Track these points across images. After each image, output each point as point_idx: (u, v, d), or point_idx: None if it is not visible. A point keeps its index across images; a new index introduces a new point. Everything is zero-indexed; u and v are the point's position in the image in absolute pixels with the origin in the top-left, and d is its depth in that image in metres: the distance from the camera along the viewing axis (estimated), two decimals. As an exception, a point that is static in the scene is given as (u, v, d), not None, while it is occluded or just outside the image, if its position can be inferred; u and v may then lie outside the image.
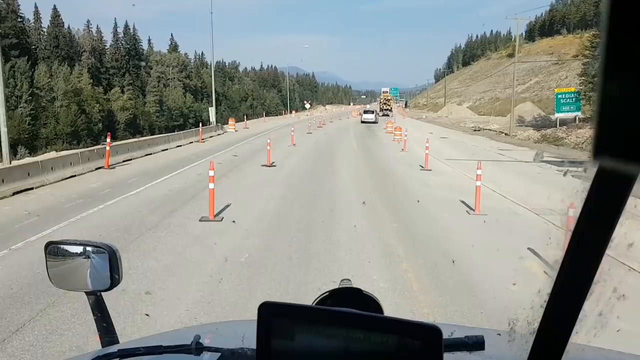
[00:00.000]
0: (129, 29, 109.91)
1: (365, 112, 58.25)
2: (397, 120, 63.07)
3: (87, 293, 1.57)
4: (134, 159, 20.47)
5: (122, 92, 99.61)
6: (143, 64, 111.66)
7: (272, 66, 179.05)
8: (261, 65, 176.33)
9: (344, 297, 1.40)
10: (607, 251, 0.74)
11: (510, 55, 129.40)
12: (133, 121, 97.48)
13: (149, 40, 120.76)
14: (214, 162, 11.50)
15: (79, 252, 1.54)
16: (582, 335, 0.93)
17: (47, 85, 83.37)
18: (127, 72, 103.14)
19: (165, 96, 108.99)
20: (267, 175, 16.97)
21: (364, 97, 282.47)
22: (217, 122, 37.21)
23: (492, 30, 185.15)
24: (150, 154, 22.37)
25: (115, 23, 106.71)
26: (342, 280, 1.66)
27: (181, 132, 28.99)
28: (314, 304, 1.35)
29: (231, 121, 36.64)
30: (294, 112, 71.07)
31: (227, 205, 11.47)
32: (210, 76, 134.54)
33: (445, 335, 0.93)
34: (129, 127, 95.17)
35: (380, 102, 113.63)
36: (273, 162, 19.72)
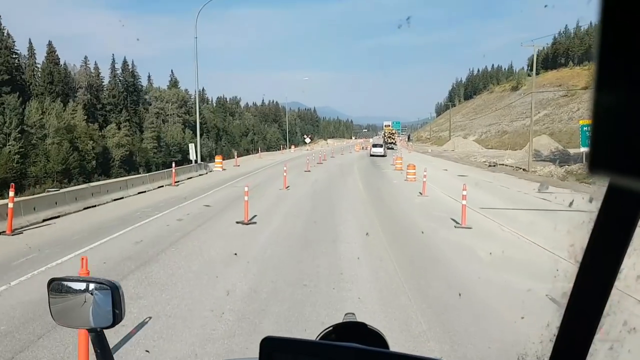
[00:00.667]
0: (128, 65, 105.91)
1: (374, 145, 57.55)
2: (404, 154, 58.14)
3: (89, 330, 1.52)
4: (64, 214, 14.95)
5: (119, 128, 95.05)
6: (147, 97, 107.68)
7: (273, 101, 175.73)
8: (262, 101, 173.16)
9: (348, 331, 1.34)
10: (616, 283, 0.71)
11: (514, 88, 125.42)
12: (129, 158, 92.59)
13: (149, 76, 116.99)
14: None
15: (81, 288, 1.52)
16: None
17: (39, 122, 78.82)
18: (124, 109, 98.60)
19: (163, 132, 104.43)
20: (238, 244, 11.49)
21: (365, 130, 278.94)
22: (202, 159, 32.44)
23: (492, 64, 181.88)
24: (95, 205, 16.89)
25: (113, 59, 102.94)
26: (346, 315, 1.58)
27: (150, 174, 23.46)
28: (317, 339, 1.29)
29: (218, 159, 31.57)
30: (292, 146, 65.99)
31: (144, 323, 5.90)
32: (211, 112, 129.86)
33: None
34: (124, 164, 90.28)
35: (384, 136, 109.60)
36: (253, 218, 14.35)
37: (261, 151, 46.68)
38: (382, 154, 53.45)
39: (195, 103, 39.97)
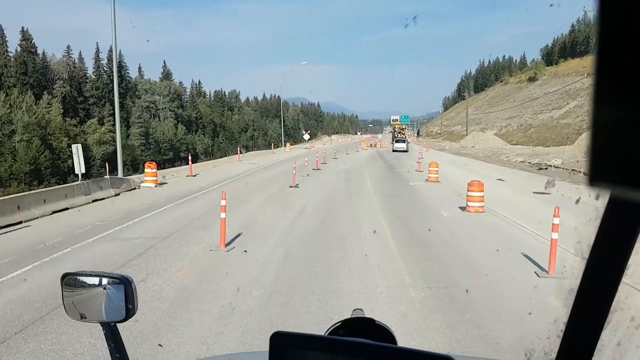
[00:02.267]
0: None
1: (397, 141, 56.52)
2: (423, 153, 46.91)
3: (102, 324, 1.52)
4: None
5: (101, 123, 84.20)
6: (140, 93, 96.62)
7: (275, 95, 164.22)
8: (264, 95, 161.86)
9: (357, 327, 1.35)
10: (623, 279, 0.71)
11: (532, 79, 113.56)
12: (112, 156, 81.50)
13: (139, 68, 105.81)
14: None
15: (94, 283, 1.52)
16: None
17: (6, 116, 68.07)
18: (108, 102, 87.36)
19: (153, 128, 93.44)
20: None
21: (370, 125, 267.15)
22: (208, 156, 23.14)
23: (504, 55, 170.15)
24: None
25: (97, 48, 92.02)
26: (354, 310, 1.58)
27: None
28: (326, 334, 1.29)
29: (149, 168, 18.97)
30: (288, 145, 54.16)
31: None
32: (208, 106, 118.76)
33: None
34: (107, 162, 79.42)
35: (394, 131, 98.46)
36: None
37: (241, 152, 35.63)
38: (405, 149, 52.54)
39: (114, 74, 28.11)
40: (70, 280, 1.54)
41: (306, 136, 56.28)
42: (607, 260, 0.71)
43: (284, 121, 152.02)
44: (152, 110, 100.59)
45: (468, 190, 12.57)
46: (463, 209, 12.88)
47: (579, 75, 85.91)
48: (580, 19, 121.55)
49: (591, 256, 0.72)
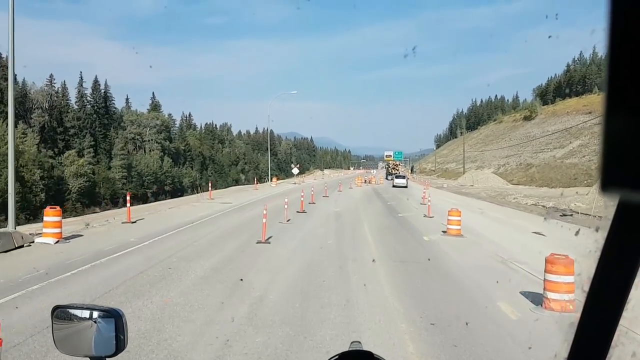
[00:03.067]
0: (99, 84, 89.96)
1: (397, 177, 57.77)
2: (419, 190, 41.54)
3: (92, 358, 1.49)
4: None
5: (81, 155, 78.63)
6: (126, 124, 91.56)
7: (267, 129, 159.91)
8: (256, 128, 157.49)
9: None
10: (624, 314, 0.70)
11: (527, 118, 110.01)
12: (90, 189, 75.81)
13: (127, 99, 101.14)
14: None
15: (85, 316, 1.49)
16: None
17: (-26, 146, 62.44)
18: (89, 133, 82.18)
19: (137, 160, 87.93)
20: None
21: (363, 161, 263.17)
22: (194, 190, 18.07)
23: (496, 95, 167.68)
24: None
25: (81, 77, 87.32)
26: (352, 343, 1.56)
27: None
28: None
29: (50, 215, 11.70)
30: (275, 179, 48.60)
31: None
32: (197, 139, 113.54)
33: None
34: (84, 196, 73.61)
35: (388, 167, 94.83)
36: None
37: (216, 187, 30.59)
38: (405, 185, 53.17)
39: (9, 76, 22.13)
40: (60, 313, 1.50)
41: (295, 170, 50.77)
42: (608, 293, 0.69)
43: (272, 153, 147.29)
44: (138, 142, 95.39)
45: (548, 271, 7.11)
46: (538, 300, 7.41)
47: (580, 114, 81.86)
48: (576, 59, 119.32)
49: (591, 289, 0.71)
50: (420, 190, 47.85)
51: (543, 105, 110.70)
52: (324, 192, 33.54)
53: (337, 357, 1.34)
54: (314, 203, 25.67)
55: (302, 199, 21.92)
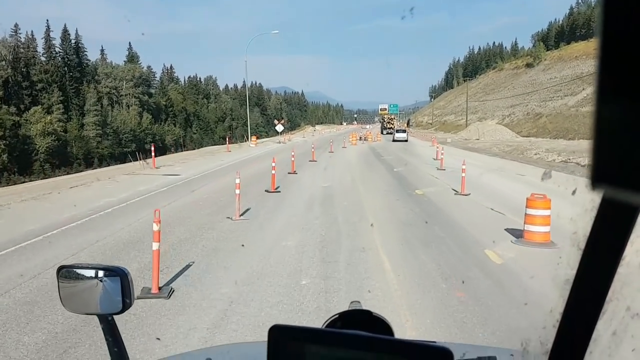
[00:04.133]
0: (69, 34, 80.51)
1: (397, 131, 55.29)
2: (430, 150, 34.81)
3: (99, 316, 1.49)
4: None
5: (49, 112, 70.42)
6: (101, 77, 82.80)
7: (256, 83, 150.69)
8: (244, 82, 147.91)
9: (354, 319, 1.34)
10: (619, 269, 0.70)
11: (529, 65, 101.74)
12: (61, 149, 68.07)
13: (102, 50, 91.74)
14: None
15: (90, 275, 1.48)
16: (597, 355, 0.86)
17: None
18: (59, 88, 73.52)
19: (112, 117, 79.86)
20: None
21: (355, 115, 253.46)
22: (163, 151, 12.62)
23: (494, 42, 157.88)
24: None
25: (48, 27, 77.59)
26: (351, 302, 1.57)
27: None
28: (323, 327, 1.30)
29: None
30: (254, 139, 39.96)
31: None
32: (180, 93, 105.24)
33: (457, 357, 0.90)
34: (53, 157, 65.90)
35: (383, 121, 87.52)
36: None
37: (164, 152, 23.48)
38: (405, 138, 51.01)
39: None
40: (66, 273, 1.49)
41: (279, 127, 42.16)
42: (603, 250, 0.69)
43: (262, 109, 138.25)
44: (114, 97, 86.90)
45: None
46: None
47: (590, 58, 73.70)
48: (580, 1, 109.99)
49: (587, 247, 0.71)
50: (425, 147, 40.70)
51: (546, 50, 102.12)
52: (310, 153, 26.36)
53: (336, 316, 1.34)
54: (294, 173, 18.55)
55: (273, 171, 14.59)
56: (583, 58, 74.07)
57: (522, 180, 17.04)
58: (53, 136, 66.49)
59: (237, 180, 10.10)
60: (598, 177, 0.43)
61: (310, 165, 22.76)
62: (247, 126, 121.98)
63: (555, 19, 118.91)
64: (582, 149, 35.20)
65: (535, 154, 34.99)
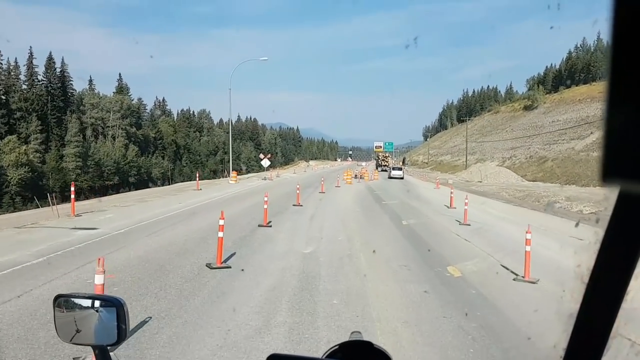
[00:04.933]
0: (54, 62, 76.23)
1: (394, 169, 55.18)
2: (429, 190, 29.98)
3: (94, 347, 1.46)
4: None
5: (27, 142, 65.32)
6: (87, 107, 78.15)
7: (251, 118, 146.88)
8: (238, 117, 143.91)
9: (355, 350, 1.33)
10: (623, 304, 0.68)
11: (527, 108, 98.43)
12: (36, 181, 62.45)
13: (90, 80, 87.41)
14: None
15: (87, 305, 1.46)
16: None
17: None
18: (38, 117, 68.65)
19: (95, 148, 74.78)
20: None
21: (350, 152, 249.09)
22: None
23: (488, 86, 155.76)
24: None
25: (31, 54, 73.23)
26: (352, 333, 1.53)
27: None
28: (323, 357, 1.29)
29: None
30: (234, 174, 33.53)
31: None
32: (170, 125, 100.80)
33: None
34: (26, 189, 60.18)
35: (378, 159, 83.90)
36: None
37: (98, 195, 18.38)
38: (401, 176, 50.88)
39: None
40: (62, 302, 1.47)
41: (265, 162, 36.61)
42: (608, 284, 0.67)
43: (256, 144, 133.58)
44: (100, 128, 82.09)
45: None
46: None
47: (596, 102, 69.98)
48: (578, 46, 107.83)
49: (591, 280, 0.69)
50: (429, 189, 35.69)
51: (545, 94, 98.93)
52: (294, 196, 21.11)
53: (336, 347, 1.32)
54: (267, 226, 13.29)
55: (220, 233, 8.95)
56: (588, 101, 70.32)
57: (590, 248, 11.92)
58: (27, 167, 61.14)
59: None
60: (609, 171, 0.43)
61: (293, 212, 17.55)
62: (239, 160, 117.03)
63: (552, 64, 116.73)
64: (602, 197, 30.19)
65: (556, 202, 29.95)
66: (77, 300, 1.45)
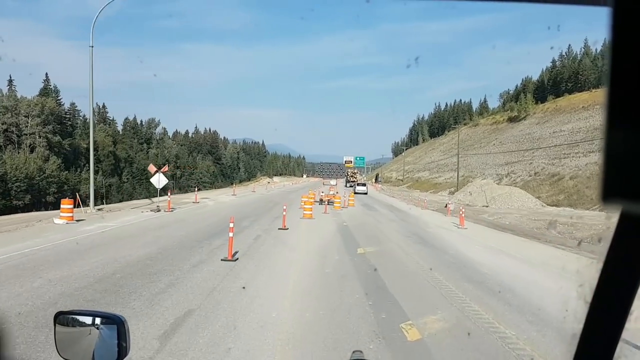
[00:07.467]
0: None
1: (359, 184, 55.50)
2: (447, 227, 14.62)
3: None
4: None
5: None
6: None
7: (210, 130, 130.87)
8: (196, 127, 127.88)
9: None
10: (627, 325, 0.67)
11: (513, 119, 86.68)
12: None
13: (10, 79, 70.46)
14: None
15: (87, 322, 1.41)
16: None
17: None
18: None
19: (1, 160, 57.84)
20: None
21: (316, 168, 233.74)
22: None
23: (461, 100, 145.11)
24: None
25: None
26: (354, 352, 1.48)
27: None
28: None
29: None
30: (67, 204, 18.05)
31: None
32: (109, 135, 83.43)
33: None
34: None
35: (348, 175, 71.70)
36: None
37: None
38: (365, 191, 49.91)
39: None
40: (63, 319, 1.43)
41: (159, 179, 21.54)
42: (611, 303, 0.65)
43: (216, 158, 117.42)
44: (13, 135, 65.02)
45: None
46: None
47: (602, 107, 56.68)
48: (563, 54, 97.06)
49: (594, 300, 0.68)
50: (441, 225, 20.90)
51: (538, 103, 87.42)
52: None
53: None
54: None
55: None
56: (597, 107, 57.79)
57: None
58: None
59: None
60: (609, 191, 0.42)
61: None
62: (192, 175, 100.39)
63: (527, 76, 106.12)
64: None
65: None
66: (78, 317, 1.41)
